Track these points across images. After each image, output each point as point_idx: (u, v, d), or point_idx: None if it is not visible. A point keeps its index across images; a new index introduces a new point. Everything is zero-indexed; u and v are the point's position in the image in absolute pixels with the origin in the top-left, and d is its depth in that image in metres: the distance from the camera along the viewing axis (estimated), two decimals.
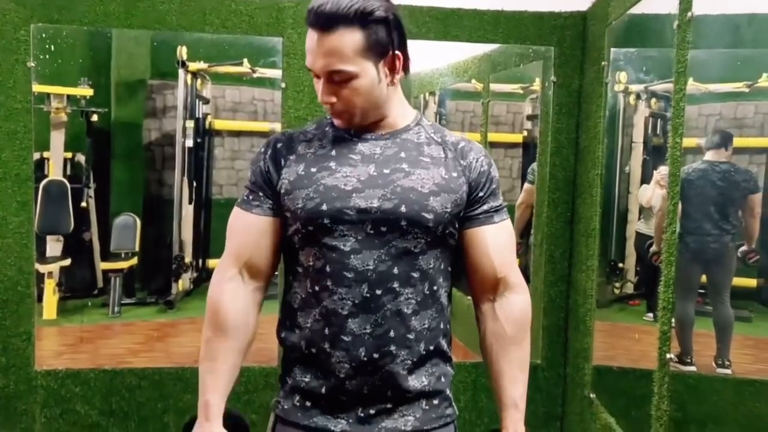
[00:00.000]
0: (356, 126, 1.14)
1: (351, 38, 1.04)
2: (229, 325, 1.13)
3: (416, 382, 1.12)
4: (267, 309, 1.23)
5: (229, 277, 1.15)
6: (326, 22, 1.03)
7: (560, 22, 2.49)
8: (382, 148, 1.13)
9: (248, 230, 1.15)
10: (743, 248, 3.08)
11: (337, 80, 1.07)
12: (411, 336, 1.10)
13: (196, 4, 2.31)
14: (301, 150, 1.15)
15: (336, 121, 1.15)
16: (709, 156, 3.04)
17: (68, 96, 4.20)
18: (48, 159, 4.22)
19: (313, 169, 1.12)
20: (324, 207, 1.08)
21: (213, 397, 1.12)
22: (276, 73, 2.60)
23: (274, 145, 1.17)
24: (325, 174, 1.11)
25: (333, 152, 1.14)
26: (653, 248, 2.88)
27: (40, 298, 3.91)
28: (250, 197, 1.16)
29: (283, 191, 1.13)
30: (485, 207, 1.16)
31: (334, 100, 1.09)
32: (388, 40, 1.08)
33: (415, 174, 1.11)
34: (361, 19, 1.04)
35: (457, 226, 1.15)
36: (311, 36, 1.06)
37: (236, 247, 1.16)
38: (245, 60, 4.19)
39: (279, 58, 2.43)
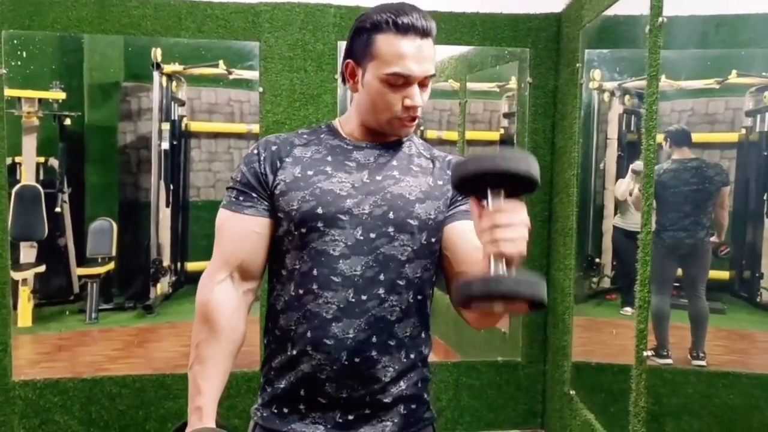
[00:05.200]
0: (402, 137, 1.17)
1: (433, 48, 1.12)
2: (221, 328, 1.12)
3: (395, 388, 1.13)
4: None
5: (220, 279, 1.13)
6: (425, 29, 1.10)
7: (535, 23, 2.52)
8: (376, 157, 1.16)
9: (241, 231, 1.14)
10: (713, 239, 3.15)
11: (427, 84, 1.12)
12: (392, 343, 1.11)
13: (170, 8, 2.29)
14: (298, 153, 1.16)
15: (401, 132, 1.16)
16: (676, 155, 3.10)
17: (40, 100, 4.12)
18: (20, 164, 4.14)
19: (310, 172, 1.13)
20: (319, 210, 1.09)
21: (205, 401, 1.11)
22: (252, 74, 2.60)
23: (269, 147, 1.17)
24: (321, 178, 1.12)
25: (329, 158, 1.15)
26: None
27: (14, 306, 3.83)
28: (241, 198, 1.15)
29: (278, 192, 1.13)
30: (463, 207, 1.15)
31: (423, 104, 1.12)
32: None
33: (405, 181, 1.13)
34: (434, 33, 1.13)
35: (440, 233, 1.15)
36: (411, 42, 1.09)
37: (228, 249, 1.15)
38: (221, 62, 4.15)
39: (256, 61, 2.42)
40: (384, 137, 1.17)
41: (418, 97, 1.10)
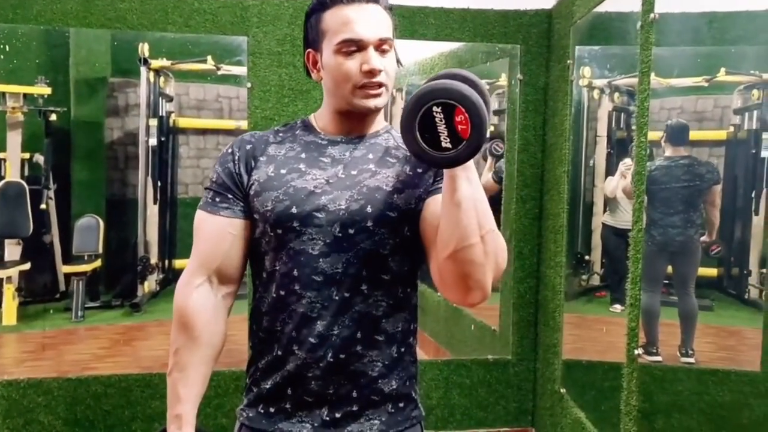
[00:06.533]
0: (377, 109, 1.13)
1: (387, 16, 1.11)
2: (200, 334, 1.11)
3: (385, 385, 1.11)
4: (235, 310, 1.21)
5: (198, 284, 1.12)
6: None
7: (525, 20, 2.51)
8: (351, 151, 1.13)
9: (217, 234, 1.12)
10: (704, 239, 3.15)
11: (385, 49, 1.09)
12: (381, 338, 1.10)
13: (157, 2, 2.26)
14: (272, 151, 1.14)
15: (367, 103, 1.10)
16: (669, 152, 3.10)
17: (24, 95, 4.07)
18: (4, 160, 4.08)
19: (283, 171, 1.11)
20: (294, 210, 1.07)
21: (185, 408, 1.10)
22: (241, 70, 2.57)
23: (244, 146, 1.15)
24: (294, 176, 1.10)
25: (303, 155, 1.13)
26: None
27: None
28: (217, 199, 1.13)
29: (252, 193, 1.11)
30: (442, 185, 1.10)
31: (382, 68, 1.08)
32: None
33: (381, 173, 1.11)
34: (387, 4, 1.12)
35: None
36: (356, 8, 1.08)
37: (205, 252, 1.13)
38: (209, 57, 4.11)
39: (244, 57, 2.39)
40: (359, 126, 1.15)
41: (374, 60, 1.07)
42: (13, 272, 3.99)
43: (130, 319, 4.16)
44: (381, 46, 1.08)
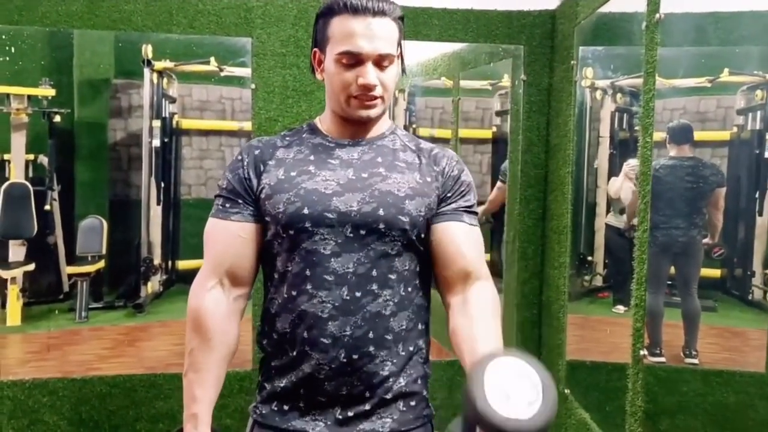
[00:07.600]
0: (370, 119, 1.16)
1: (394, 28, 1.13)
2: (213, 335, 1.13)
3: (395, 383, 1.13)
4: None
5: (210, 286, 1.14)
6: (378, 8, 1.10)
7: (529, 20, 2.50)
8: (360, 154, 1.16)
9: (228, 237, 1.15)
10: (707, 241, 3.14)
11: (384, 65, 1.11)
12: (389, 337, 1.11)
13: (162, 3, 2.26)
14: (280, 155, 1.16)
15: (360, 113, 1.14)
16: (674, 152, 3.09)
17: (29, 96, 4.08)
18: (9, 161, 4.10)
19: (293, 173, 1.13)
20: (305, 210, 1.09)
21: (200, 408, 1.12)
22: (244, 72, 2.57)
23: (252, 151, 1.17)
24: (305, 178, 1.12)
25: (312, 157, 1.15)
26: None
27: (3, 305, 3.81)
28: (227, 205, 1.15)
29: (263, 196, 1.13)
30: (453, 205, 1.16)
31: (378, 83, 1.11)
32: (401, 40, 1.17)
33: (392, 178, 1.13)
34: (397, 15, 1.14)
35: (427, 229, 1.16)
36: (362, 20, 1.10)
37: (216, 256, 1.15)
38: (212, 58, 4.12)
39: (248, 58, 2.39)
40: (361, 130, 1.17)
41: (370, 76, 1.09)
42: (18, 273, 4.00)
43: (133, 320, 4.17)
44: (380, 62, 1.11)
